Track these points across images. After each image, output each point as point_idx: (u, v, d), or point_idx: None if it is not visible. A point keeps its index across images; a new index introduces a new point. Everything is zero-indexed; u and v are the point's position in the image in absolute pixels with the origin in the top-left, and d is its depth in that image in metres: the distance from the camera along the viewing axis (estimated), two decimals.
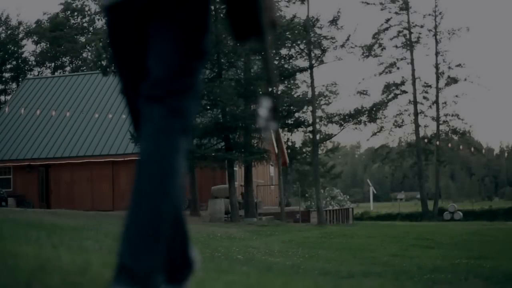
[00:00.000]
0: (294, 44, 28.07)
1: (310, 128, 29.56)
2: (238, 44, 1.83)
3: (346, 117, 29.70)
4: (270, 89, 1.96)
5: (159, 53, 1.86)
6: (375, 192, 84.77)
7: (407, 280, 6.96)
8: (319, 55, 28.74)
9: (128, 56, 2.00)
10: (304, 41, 28.00)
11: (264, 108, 1.90)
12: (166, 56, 1.85)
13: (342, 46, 28.67)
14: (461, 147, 47.97)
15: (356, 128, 30.64)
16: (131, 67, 2.00)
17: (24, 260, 2.57)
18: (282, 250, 12.29)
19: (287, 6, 28.53)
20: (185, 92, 1.86)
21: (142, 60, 1.93)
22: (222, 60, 23.48)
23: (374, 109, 30.56)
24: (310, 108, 29.31)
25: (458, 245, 15.86)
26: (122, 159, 29.60)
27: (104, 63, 25.61)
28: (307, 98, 29.62)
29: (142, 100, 1.83)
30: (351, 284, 4.60)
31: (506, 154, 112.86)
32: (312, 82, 29.07)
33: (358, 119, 29.95)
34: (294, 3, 28.39)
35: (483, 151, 71.98)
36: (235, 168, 25.46)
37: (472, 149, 50.68)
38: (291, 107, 28.08)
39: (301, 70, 29.28)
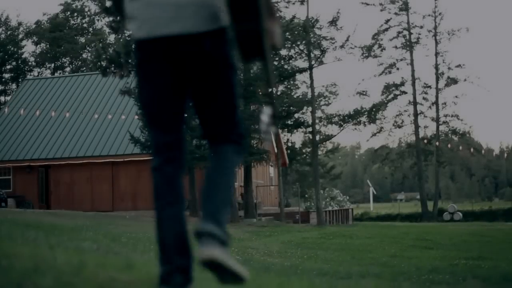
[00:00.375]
0: (293, 45, 28.10)
1: (310, 129, 29.57)
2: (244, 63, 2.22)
3: (346, 117, 29.72)
4: (274, 112, 2.37)
5: (217, 112, 2.47)
6: (375, 192, 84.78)
7: (405, 281, 6.96)
8: (319, 55, 28.75)
9: (152, 87, 2.39)
10: (303, 42, 28.02)
11: (265, 114, 2.33)
12: (224, 114, 2.48)
13: (342, 46, 28.70)
14: (460, 147, 47.94)
15: (355, 128, 30.67)
16: (154, 97, 2.40)
17: (19, 260, 2.57)
18: (281, 250, 12.29)
19: (286, 7, 28.60)
20: (241, 134, 2.54)
21: (164, 92, 2.39)
22: None
23: (374, 109, 30.57)
24: (310, 108, 29.33)
25: (457, 246, 15.87)
26: (122, 159, 29.59)
27: (104, 63, 25.58)
28: (306, 99, 29.65)
29: (216, 142, 2.50)
30: (347, 285, 4.61)
31: (505, 155, 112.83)
32: (312, 82, 29.09)
33: (358, 119, 29.96)
34: (293, 3, 28.43)
35: (483, 151, 71.96)
36: None
37: (472, 149, 50.64)
38: (291, 108, 28.09)
39: (301, 70, 29.30)
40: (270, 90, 2.51)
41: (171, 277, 2.36)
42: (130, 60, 24.16)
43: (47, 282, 2.07)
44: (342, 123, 30.12)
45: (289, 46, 27.68)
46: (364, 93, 40.79)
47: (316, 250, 13.29)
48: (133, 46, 2.44)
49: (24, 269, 2.25)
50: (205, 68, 2.35)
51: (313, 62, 28.59)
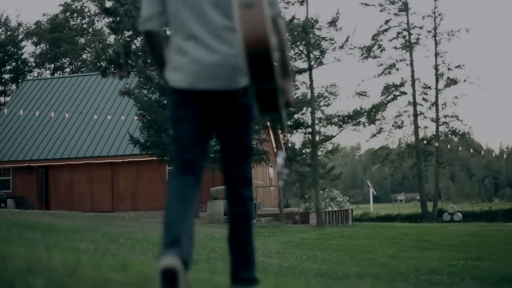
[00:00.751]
0: (293, 46, 28.10)
1: (310, 129, 29.56)
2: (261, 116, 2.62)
3: (345, 118, 29.70)
4: (287, 156, 2.69)
5: (233, 147, 2.90)
6: (375, 193, 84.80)
7: (403, 281, 6.96)
8: (318, 56, 28.75)
9: (186, 123, 2.82)
10: (303, 42, 28.02)
11: (279, 158, 2.70)
12: (238, 150, 2.91)
13: (341, 47, 28.70)
14: (460, 148, 47.92)
15: (355, 129, 30.64)
16: (187, 131, 2.82)
17: (13, 260, 2.57)
18: (280, 251, 12.28)
19: (286, 8, 28.58)
20: (248, 179, 2.98)
21: (196, 128, 2.82)
22: None
23: (374, 110, 30.55)
24: (309, 109, 29.33)
25: (456, 247, 15.87)
26: (121, 160, 29.59)
27: (103, 64, 25.57)
28: (306, 99, 29.65)
29: (242, 197, 2.92)
30: (343, 285, 4.61)
31: (505, 155, 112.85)
32: (311, 83, 29.09)
33: (357, 120, 29.94)
34: (293, 4, 28.45)
35: (483, 152, 71.92)
36: None
37: (472, 150, 50.61)
38: (290, 108, 28.04)
39: (301, 71, 29.30)
40: (283, 137, 2.89)
41: (175, 243, 2.47)
42: (129, 61, 24.17)
43: (40, 282, 2.07)
44: (341, 124, 30.10)
45: (289, 46, 27.67)
46: (364, 93, 40.75)
47: (315, 250, 13.29)
48: (170, 90, 2.86)
49: (18, 269, 2.25)
50: (232, 115, 2.84)
51: (312, 63, 28.60)
